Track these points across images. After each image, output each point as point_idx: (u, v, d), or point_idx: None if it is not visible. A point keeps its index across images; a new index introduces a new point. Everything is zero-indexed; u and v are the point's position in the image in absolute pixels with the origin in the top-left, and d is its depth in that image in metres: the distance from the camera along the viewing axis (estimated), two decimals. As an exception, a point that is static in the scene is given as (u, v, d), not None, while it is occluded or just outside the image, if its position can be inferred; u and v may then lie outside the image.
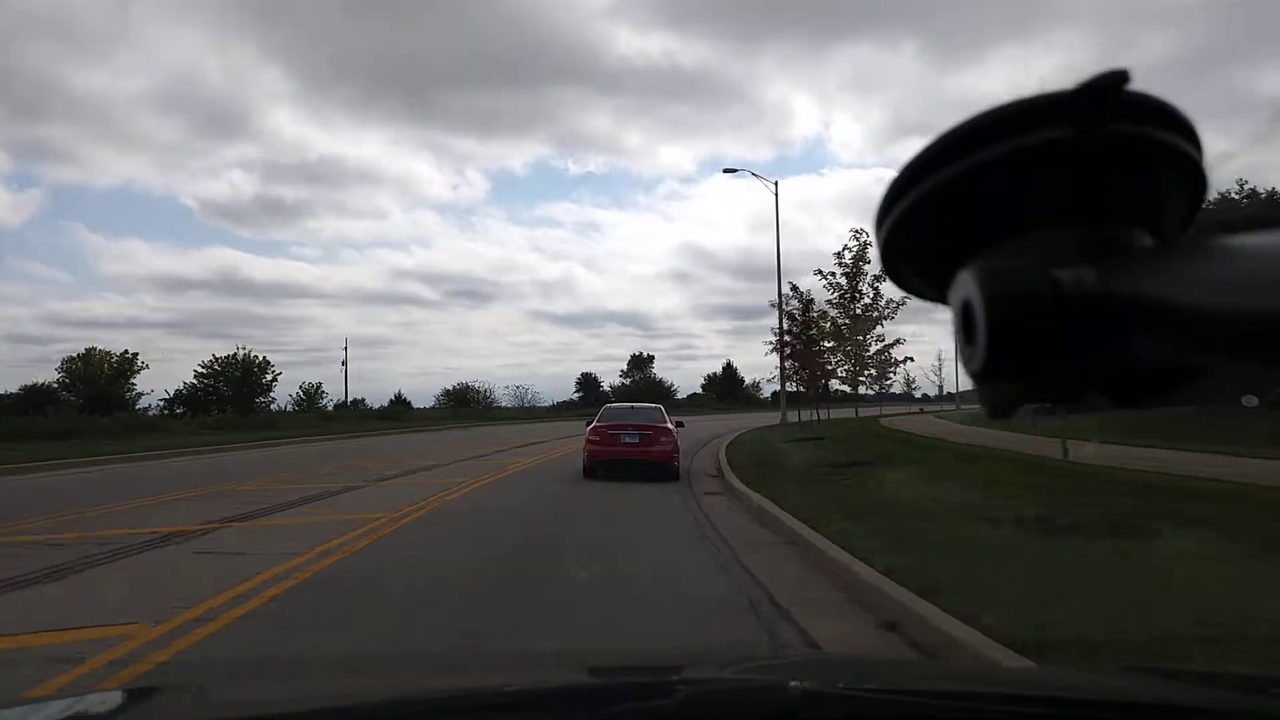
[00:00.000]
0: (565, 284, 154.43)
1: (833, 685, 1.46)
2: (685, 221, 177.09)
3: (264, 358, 61.64)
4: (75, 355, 59.87)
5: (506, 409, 78.14)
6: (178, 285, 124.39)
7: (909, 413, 63.88)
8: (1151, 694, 1.42)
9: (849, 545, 7.04)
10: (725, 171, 38.28)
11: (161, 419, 50.67)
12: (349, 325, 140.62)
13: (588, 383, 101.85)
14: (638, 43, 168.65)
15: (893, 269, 0.56)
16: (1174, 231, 0.49)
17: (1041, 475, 12.46)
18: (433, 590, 6.40)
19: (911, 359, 29.99)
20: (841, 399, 39.09)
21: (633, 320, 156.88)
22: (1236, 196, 32.14)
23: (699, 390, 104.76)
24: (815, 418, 34.51)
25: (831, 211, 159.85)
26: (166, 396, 60.44)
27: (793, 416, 35.21)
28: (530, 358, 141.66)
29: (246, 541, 8.54)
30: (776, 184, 37.34)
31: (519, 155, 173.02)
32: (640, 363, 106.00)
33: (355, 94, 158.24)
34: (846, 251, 26.14)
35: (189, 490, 13.53)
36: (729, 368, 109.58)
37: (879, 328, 25.65)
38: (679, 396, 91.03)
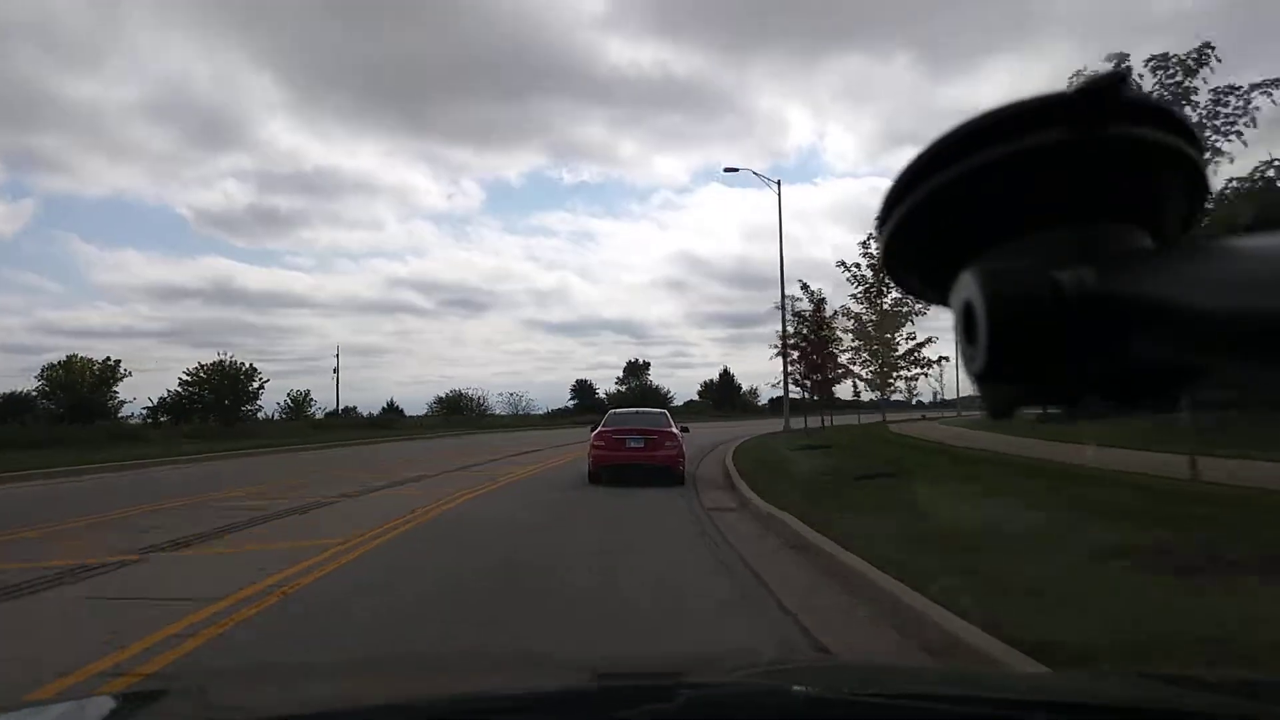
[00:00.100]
0: (560, 293, 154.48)
1: (837, 690, 1.48)
2: (679, 230, 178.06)
3: (250, 365, 60.15)
4: (56, 363, 58.19)
5: (500, 417, 76.54)
6: (172, 294, 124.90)
7: (910, 419, 62.39)
8: (1160, 700, 1.41)
9: (953, 604, 4.96)
10: (726, 170, 37.39)
11: (144, 428, 49.40)
12: (343, 334, 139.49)
13: (583, 390, 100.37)
14: (630, 53, 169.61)
15: (894, 271, 0.56)
16: (1174, 232, 0.49)
17: (1107, 491, 11.00)
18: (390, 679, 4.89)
19: (946, 359, 27.97)
20: (844, 405, 37.60)
21: (627, 328, 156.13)
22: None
23: (695, 397, 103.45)
24: (822, 424, 33.26)
25: (825, 221, 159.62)
26: (150, 405, 58.92)
27: (795, 423, 33.93)
28: (525, 366, 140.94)
29: (158, 579, 6.99)
30: (779, 183, 36.37)
31: (514, 165, 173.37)
32: (636, 369, 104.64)
33: (350, 104, 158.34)
34: (873, 241, 24.23)
35: (135, 507, 12.02)
36: (726, 374, 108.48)
37: (909, 324, 24.32)
38: (676, 404, 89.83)
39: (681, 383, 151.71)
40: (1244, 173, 10.72)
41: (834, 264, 27.50)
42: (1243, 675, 2.09)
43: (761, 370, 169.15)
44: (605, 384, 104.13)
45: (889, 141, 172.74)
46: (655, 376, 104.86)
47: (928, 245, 0.52)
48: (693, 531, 9.55)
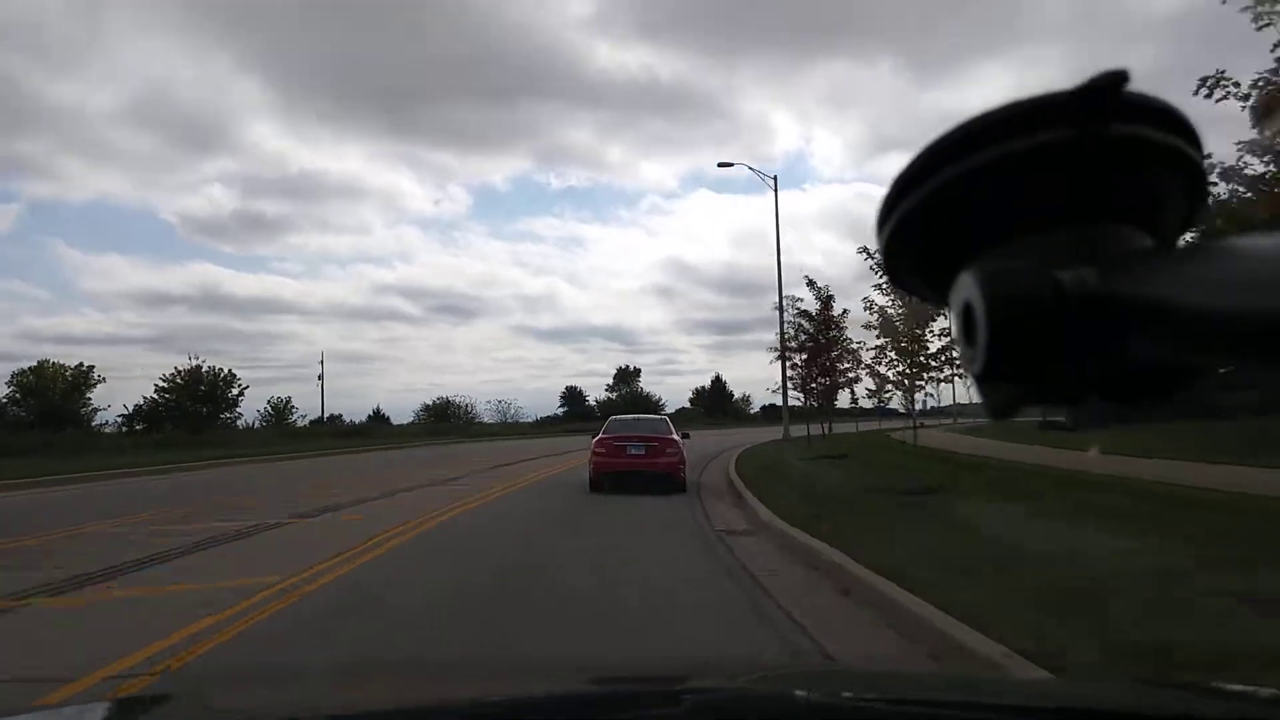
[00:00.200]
0: (548, 299, 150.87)
1: (840, 695, 1.47)
2: (668, 236, 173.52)
3: (229, 371, 58.26)
4: (26, 368, 56.17)
5: (487, 425, 74.55)
6: (158, 301, 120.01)
7: (908, 427, 60.81)
8: (1163, 707, 1.39)
9: None
10: (720, 165, 35.27)
11: (116, 436, 47.59)
12: (331, 341, 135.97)
13: (572, 397, 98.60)
14: (618, 57, 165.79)
15: (894, 271, 0.56)
16: (1174, 232, 0.50)
17: (1184, 511, 9.35)
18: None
19: None
20: (841, 413, 35.83)
21: (616, 335, 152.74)
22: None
23: (687, 404, 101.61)
24: (823, 432, 31.59)
25: (814, 227, 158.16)
26: (125, 412, 56.90)
27: (793, 430, 32.23)
28: (514, 373, 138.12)
29: (27, 639, 5.27)
30: (776, 179, 34.88)
31: (500, 170, 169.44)
32: (627, 376, 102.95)
33: (335, 108, 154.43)
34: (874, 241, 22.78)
35: (53, 533, 10.22)
36: (718, 381, 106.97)
37: (944, 317, 22.44)
38: (667, 410, 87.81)
39: (671, 390, 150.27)
40: None
41: (825, 268, 25.98)
42: (1246, 682, 1.62)
43: (753, 377, 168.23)
44: (595, 391, 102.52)
45: (875, 147, 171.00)
46: (645, 384, 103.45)
47: (928, 246, 0.51)
48: (713, 570, 7.81)
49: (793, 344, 28.92)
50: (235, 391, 58.39)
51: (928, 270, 0.52)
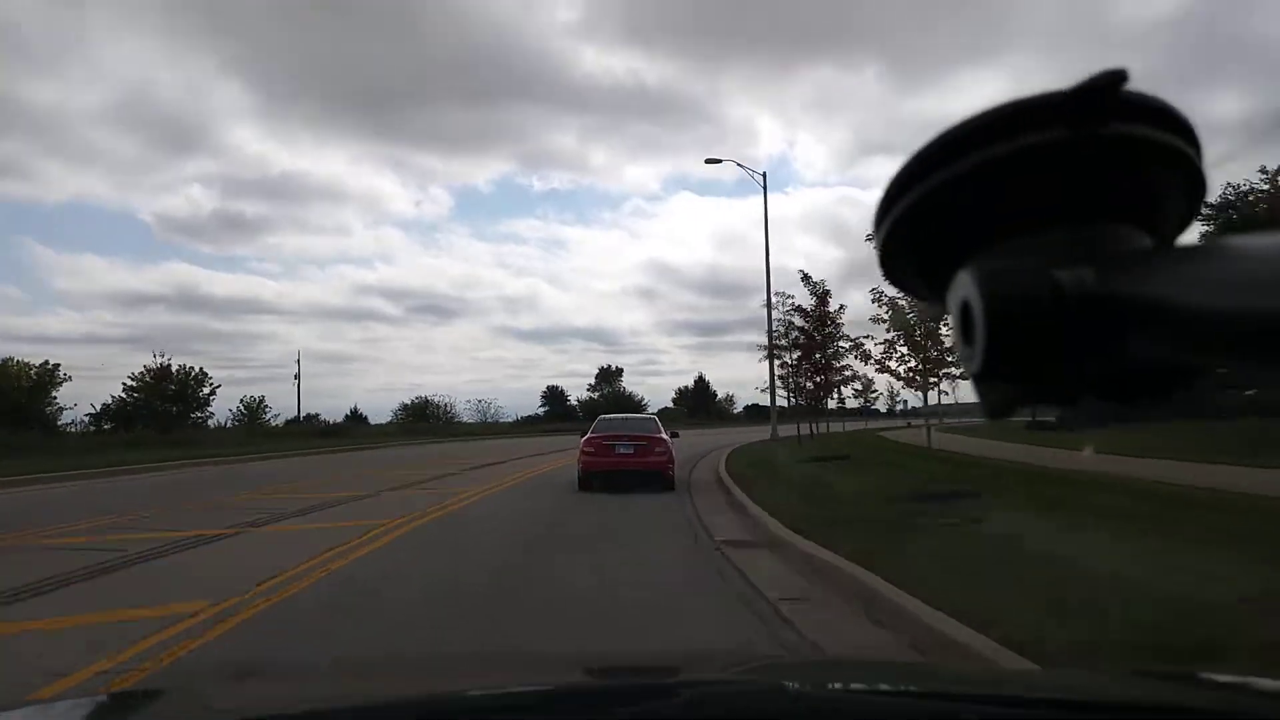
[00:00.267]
0: (530, 300, 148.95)
1: (833, 687, 1.48)
2: (651, 239, 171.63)
3: (200, 369, 56.52)
4: (-12, 365, 54.12)
5: (466, 425, 72.82)
6: (135, 301, 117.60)
7: (895, 427, 59.84)
8: (1156, 697, 1.39)
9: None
10: (708, 161, 33.95)
11: (82, 436, 45.90)
12: (311, 341, 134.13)
13: (554, 396, 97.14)
14: (603, 61, 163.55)
15: (891, 270, 0.55)
16: (1172, 232, 0.49)
17: (1224, 516, 8.22)
18: None
19: None
20: (829, 413, 34.62)
21: (598, 336, 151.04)
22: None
23: (670, 404, 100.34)
24: (812, 431, 30.46)
25: (797, 230, 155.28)
26: (93, 411, 55.03)
27: (780, 431, 31.07)
28: (494, 373, 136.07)
29: None
30: (765, 175, 33.90)
31: (483, 172, 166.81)
32: (609, 376, 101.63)
33: (317, 110, 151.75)
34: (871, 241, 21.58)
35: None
36: (701, 381, 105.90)
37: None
38: (650, 410, 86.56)
39: (652, 390, 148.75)
40: None
41: (808, 271, 24.40)
42: (1238, 673, 1.68)
43: (736, 378, 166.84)
44: (576, 391, 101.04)
45: (858, 152, 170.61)
46: (627, 384, 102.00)
47: (925, 244, 0.51)
48: (723, 598, 6.56)
49: (783, 342, 27.79)
50: (207, 390, 56.76)
51: (925, 269, 0.52)
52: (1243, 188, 31.11)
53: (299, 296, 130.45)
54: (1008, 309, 0.43)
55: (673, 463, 15.15)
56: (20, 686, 4.14)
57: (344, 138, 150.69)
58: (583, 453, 15.18)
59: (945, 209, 0.49)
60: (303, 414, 66.18)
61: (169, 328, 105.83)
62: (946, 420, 67.24)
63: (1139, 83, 0.45)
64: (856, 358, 23.87)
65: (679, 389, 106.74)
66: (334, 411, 76.78)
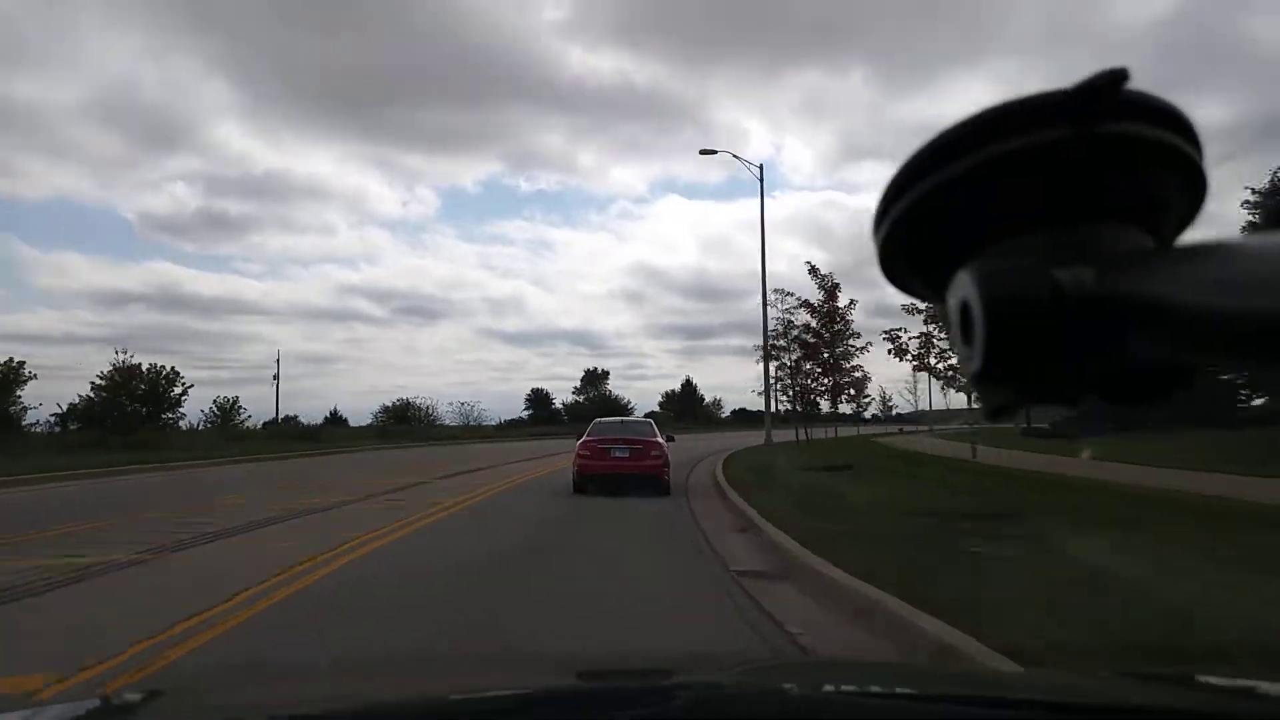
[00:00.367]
0: (515, 302, 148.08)
1: (829, 689, 1.47)
2: (637, 241, 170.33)
3: (172, 369, 54.50)
4: (-53, 364, 51.98)
5: (448, 427, 70.81)
6: (117, 300, 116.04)
7: (888, 433, 58.47)
8: (1146, 699, 1.39)
9: None
10: (703, 152, 32.44)
11: (51, 437, 43.91)
12: (295, 342, 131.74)
13: (538, 399, 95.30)
14: (591, 62, 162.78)
15: (891, 270, 0.55)
16: (1173, 232, 0.49)
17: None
18: None
19: None
20: (821, 419, 33.10)
21: (583, 339, 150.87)
22: None
23: (656, 408, 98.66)
24: (807, 436, 29.02)
25: (783, 234, 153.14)
26: (59, 411, 52.89)
27: (761, 435, 29.55)
28: (479, 376, 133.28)
29: None
30: (761, 168, 32.46)
31: (470, 172, 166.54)
32: (595, 378, 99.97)
33: (303, 108, 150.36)
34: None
35: None
36: (689, 385, 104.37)
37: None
38: (637, 414, 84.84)
39: (638, 394, 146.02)
40: None
41: (793, 275, 23.01)
42: (1223, 673, 1.81)
43: (722, 382, 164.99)
44: (562, 395, 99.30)
45: (845, 156, 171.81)
46: (612, 387, 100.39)
47: (925, 244, 0.50)
48: (752, 652, 4.97)
49: (781, 342, 26.30)
50: (178, 391, 54.76)
51: (925, 269, 0.51)
52: None
53: (282, 297, 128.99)
54: (1007, 309, 0.43)
55: (668, 467, 14.94)
56: None
57: (330, 136, 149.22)
58: (578, 456, 15.02)
59: (945, 209, 0.48)
60: (282, 416, 64.31)
61: (150, 327, 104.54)
62: (936, 427, 66.11)
63: (1132, 84, 0.44)
64: (891, 354, 22.16)
65: (666, 392, 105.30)
66: (315, 413, 74.96)
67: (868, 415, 53.56)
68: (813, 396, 26.84)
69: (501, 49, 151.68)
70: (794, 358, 24.73)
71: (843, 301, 23.02)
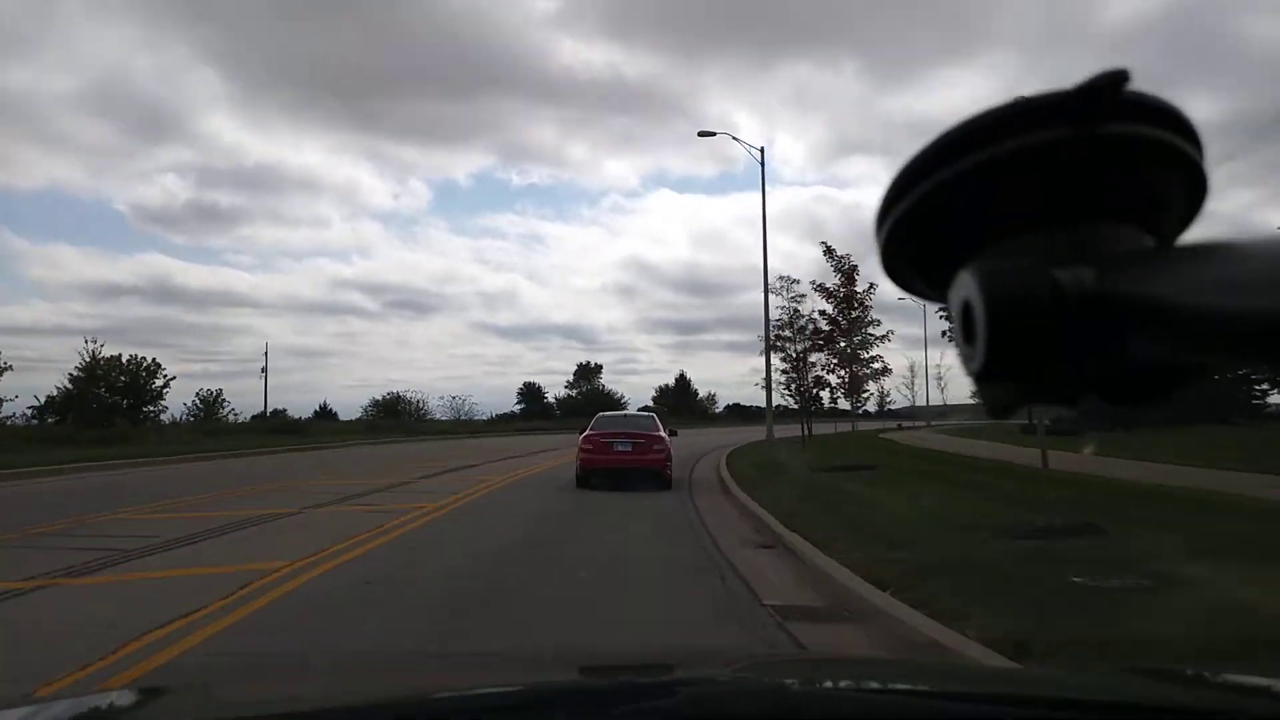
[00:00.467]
0: (508, 296, 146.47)
1: (828, 685, 1.47)
2: (629, 235, 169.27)
3: (153, 360, 52.98)
4: (-82, 355, 50.22)
5: (439, 422, 69.32)
6: (108, 292, 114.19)
7: (889, 428, 57.26)
8: (1146, 695, 1.37)
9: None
10: (701, 134, 30.96)
11: (25, 430, 42.45)
12: (286, 336, 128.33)
13: (530, 394, 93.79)
14: (582, 55, 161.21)
15: (893, 269, 0.55)
16: (1173, 232, 0.49)
17: None
18: None
19: None
20: (822, 414, 31.83)
21: (576, 334, 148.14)
22: None
23: (650, 403, 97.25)
24: (810, 432, 27.73)
25: (773, 229, 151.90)
26: (37, 404, 51.24)
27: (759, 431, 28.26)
28: (471, 370, 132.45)
29: None
30: (763, 150, 31.09)
31: (462, 165, 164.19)
32: (588, 373, 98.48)
33: (295, 100, 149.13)
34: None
35: None
36: (683, 379, 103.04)
37: None
38: (630, 410, 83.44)
39: (630, 389, 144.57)
40: None
41: (784, 269, 21.72)
42: (1227, 670, 1.61)
43: (715, 376, 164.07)
44: (555, 389, 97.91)
45: (836, 150, 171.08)
46: (605, 381, 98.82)
47: (927, 243, 0.51)
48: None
49: (786, 333, 24.95)
50: (160, 383, 53.32)
51: (927, 268, 0.51)
52: None
53: (274, 289, 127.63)
54: (1009, 309, 0.43)
55: (670, 460, 15.04)
56: None
57: (321, 128, 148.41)
58: (581, 450, 15.12)
59: (946, 208, 0.48)
60: (270, 409, 62.80)
61: (142, 320, 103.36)
62: (934, 423, 64.90)
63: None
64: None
65: (660, 387, 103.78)
66: (306, 407, 73.52)
67: (860, 412, 52.46)
68: (818, 391, 25.53)
69: (493, 41, 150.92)
70: (800, 349, 23.36)
71: (861, 286, 21.70)
